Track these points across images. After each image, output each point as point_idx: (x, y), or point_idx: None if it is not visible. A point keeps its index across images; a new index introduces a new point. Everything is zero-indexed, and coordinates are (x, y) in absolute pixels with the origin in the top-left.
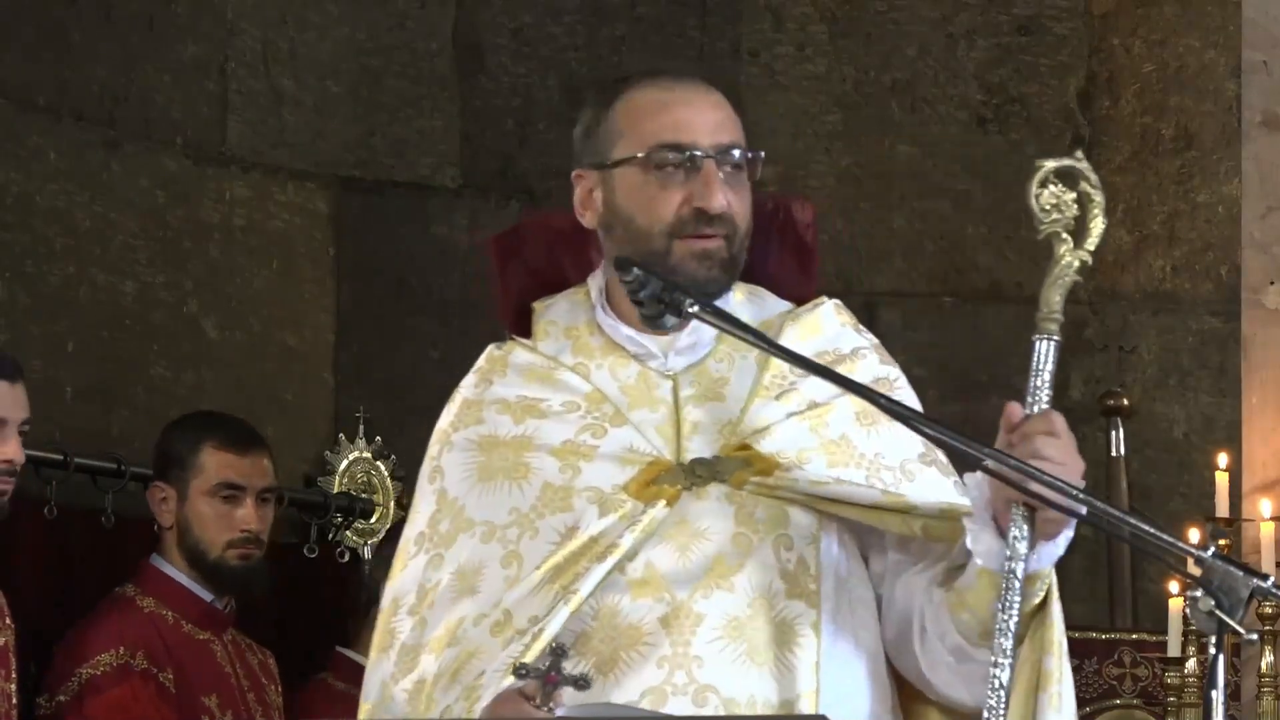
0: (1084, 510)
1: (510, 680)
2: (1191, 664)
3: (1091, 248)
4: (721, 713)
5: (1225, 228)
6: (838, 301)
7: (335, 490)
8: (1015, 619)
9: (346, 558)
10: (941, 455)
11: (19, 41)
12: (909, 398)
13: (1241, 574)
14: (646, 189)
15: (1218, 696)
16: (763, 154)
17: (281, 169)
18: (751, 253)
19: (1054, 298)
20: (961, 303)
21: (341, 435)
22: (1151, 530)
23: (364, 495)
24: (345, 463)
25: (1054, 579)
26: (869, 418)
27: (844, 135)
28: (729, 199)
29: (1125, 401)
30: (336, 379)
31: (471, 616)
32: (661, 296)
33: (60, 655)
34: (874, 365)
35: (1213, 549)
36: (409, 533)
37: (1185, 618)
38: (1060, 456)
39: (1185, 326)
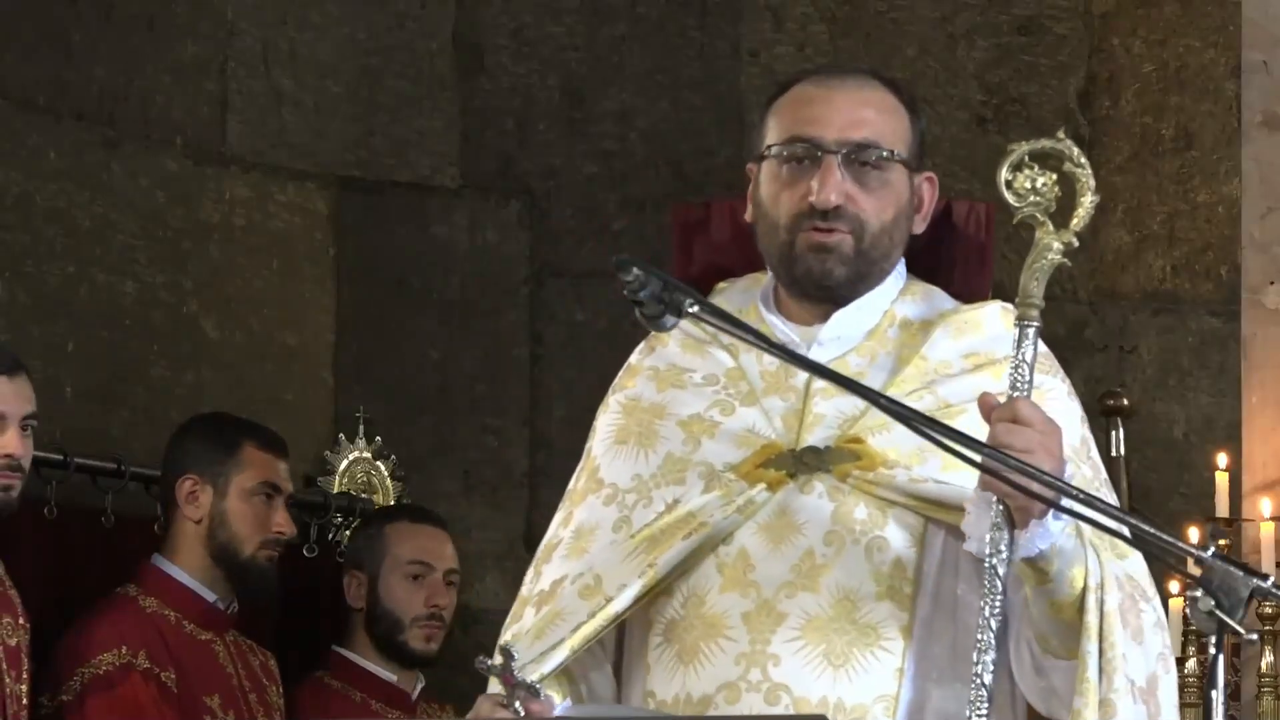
0: (1057, 498)
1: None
2: (1191, 664)
3: (1077, 228)
4: (792, 713)
5: (1225, 228)
6: (1008, 306)
7: (335, 490)
8: (997, 615)
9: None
10: (1096, 474)
11: (19, 41)
12: (1063, 410)
13: (1241, 574)
14: (776, 182)
15: (1218, 696)
16: (893, 152)
17: (281, 169)
18: (929, 253)
19: (1031, 283)
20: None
21: (341, 435)
22: (1151, 530)
23: (364, 495)
24: (345, 463)
25: (1096, 613)
26: None
27: None
28: (851, 195)
29: (1125, 401)
30: (336, 379)
31: (572, 575)
32: (662, 296)
33: (61, 655)
34: None
35: (1213, 549)
36: (565, 491)
37: (1185, 618)
38: (1023, 444)
39: (1185, 326)
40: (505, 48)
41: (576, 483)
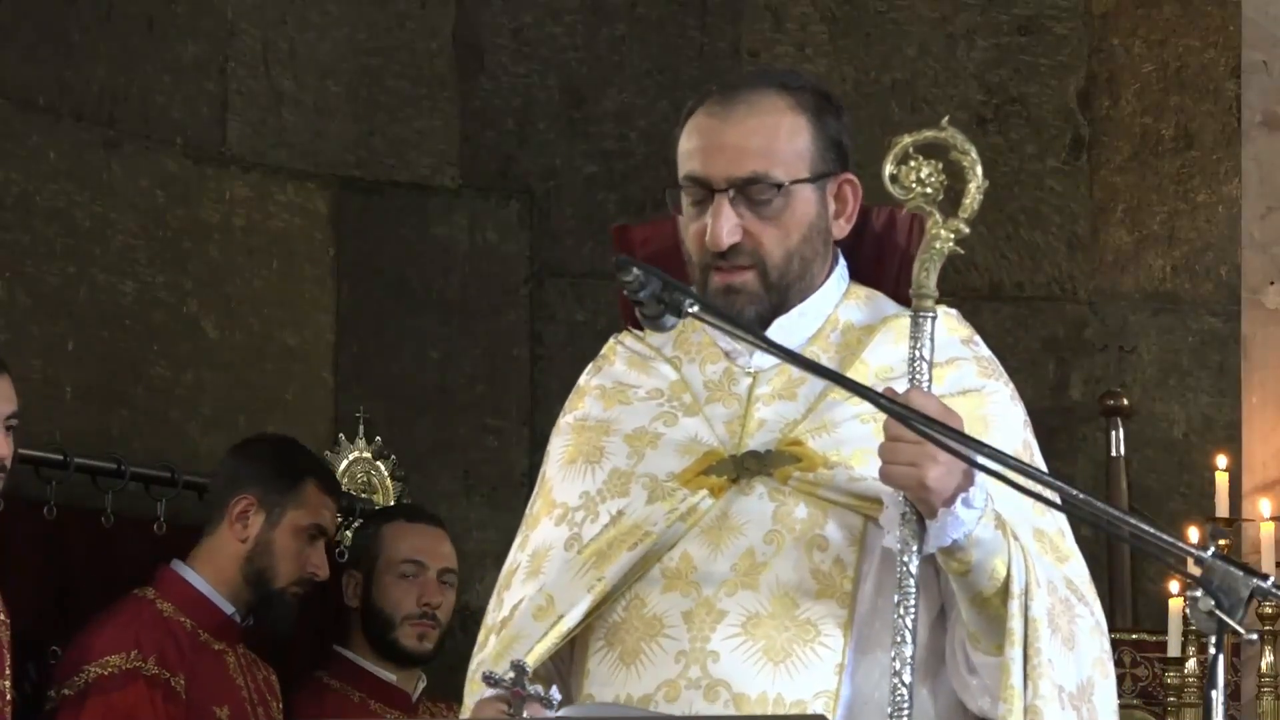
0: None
1: (483, 688)
2: (1191, 664)
3: (965, 215)
4: (731, 708)
5: (1225, 228)
6: (950, 310)
7: None
8: (911, 612)
9: (346, 558)
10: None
11: (19, 41)
12: (1004, 414)
13: (1241, 574)
14: (686, 219)
15: (1218, 696)
16: (783, 184)
17: (281, 169)
18: (871, 261)
19: (922, 273)
20: (960, 303)
21: (341, 435)
22: (1151, 530)
23: (364, 495)
24: (345, 463)
25: (1021, 618)
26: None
27: None
28: (749, 229)
29: (1125, 401)
30: (336, 379)
31: (528, 598)
32: (661, 296)
33: (72, 650)
34: (968, 376)
35: (1213, 549)
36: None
37: (1185, 618)
38: (907, 458)
39: (1185, 326)
40: (505, 48)
41: (532, 507)
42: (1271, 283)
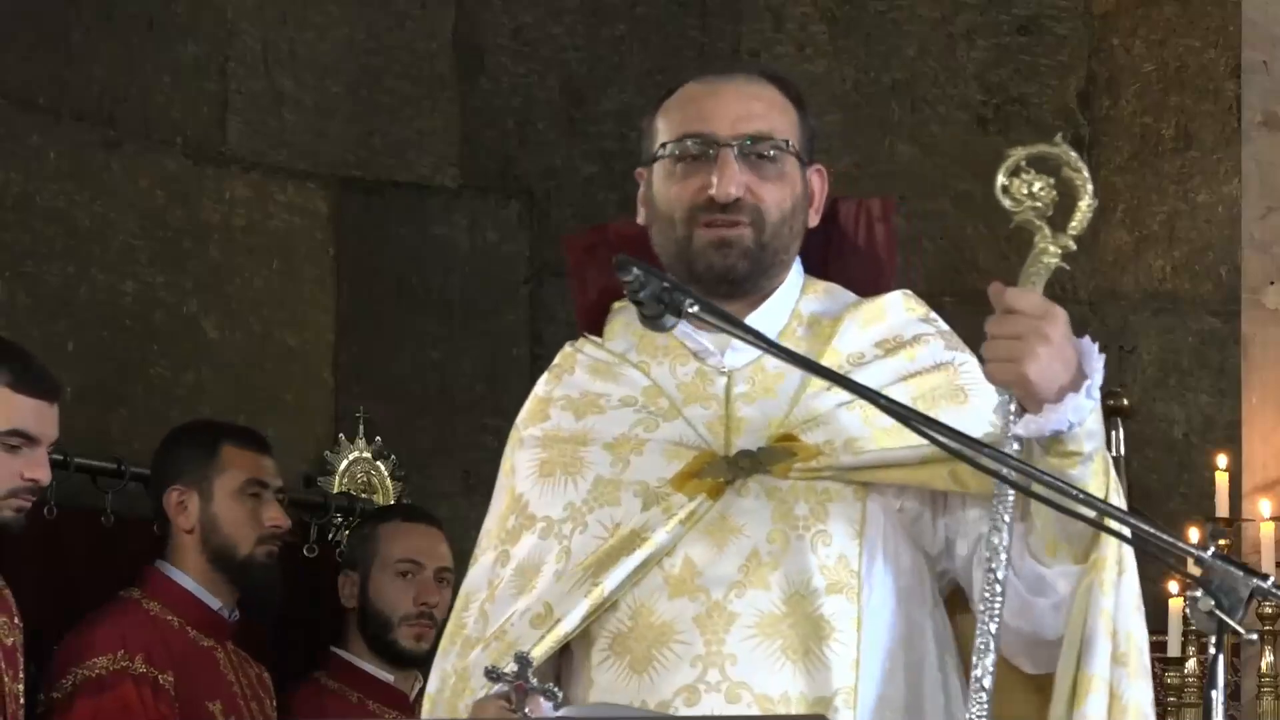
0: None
1: (483, 682)
2: (1191, 664)
3: (1074, 232)
4: (754, 709)
5: (1225, 228)
6: (907, 291)
7: (335, 490)
8: (996, 618)
9: (343, 558)
10: None
11: (19, 41)
12: (978, 381)
13: (1241, 574)
14: (671, 179)
15: (1218, 696)
16: (788, 142)
17: (281, 169)
18: (828, 253)
19: (1026, 285)
20: (961, 303)
21: (341, 435)
22: (1151, 530)
23: (364, 495)
24: (345, 463)
25: (1110, 553)
26: (928, 401)
27: (844, 135)
28: (750, 186)
29: (1125, 401)
30: (336, 379)
31: (521, 610)
32: (661, 296)
33: (60, 653)
34: (937, 350)
35: (1213, 549)
36: (484, 528)
37: (1185, 618)
38: (1011, 331)
39: (1185, 326)
40: (505, 48)
41: (504, 523)
42: (1271, 283)
